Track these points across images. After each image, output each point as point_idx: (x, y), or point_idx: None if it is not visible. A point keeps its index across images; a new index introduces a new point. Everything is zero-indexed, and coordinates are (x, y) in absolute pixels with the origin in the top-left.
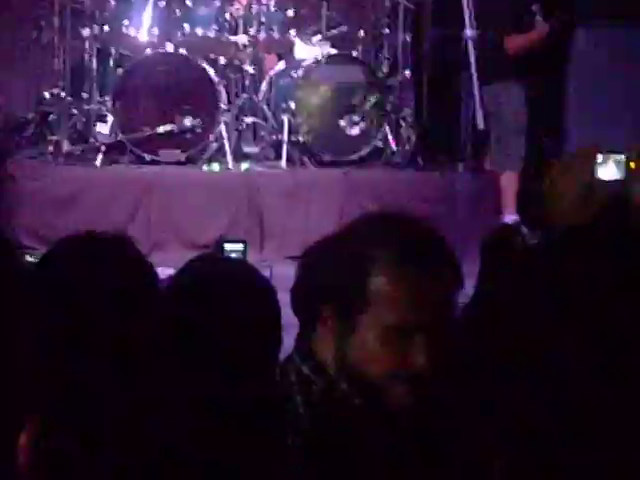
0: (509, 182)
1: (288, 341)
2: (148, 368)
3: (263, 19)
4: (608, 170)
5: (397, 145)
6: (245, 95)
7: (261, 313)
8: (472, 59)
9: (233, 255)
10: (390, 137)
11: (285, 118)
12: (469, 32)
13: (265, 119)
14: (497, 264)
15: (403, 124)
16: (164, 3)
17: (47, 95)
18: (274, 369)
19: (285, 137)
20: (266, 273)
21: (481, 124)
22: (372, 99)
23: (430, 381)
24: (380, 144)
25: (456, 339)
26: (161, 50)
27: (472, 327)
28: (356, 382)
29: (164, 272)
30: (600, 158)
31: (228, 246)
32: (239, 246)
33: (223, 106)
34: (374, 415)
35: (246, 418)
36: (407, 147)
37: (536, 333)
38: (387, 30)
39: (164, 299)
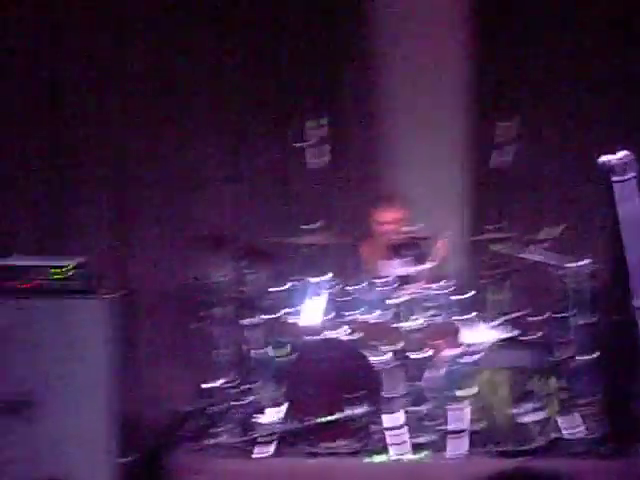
0: None
1: None
2: None
3: (431, 304)
4: None
5: (577, 434)
6: (413, 383)
7: None
8: None
9: None
10: (570, 425)
11: (454, 407)
12: (638, 302)
13: (434, 407)
14: None
15: (584, 411)
16: (328, 289)
17: (209, 387)
18: None
19: (455, 426)
20: None
21: None
22: (549, 385)
23: None
24: (559, 433)
25: None
26: (324, 337)
27: None
28: None
29: None
30: None
31: None
32: None
33: (389, 395)
34: None
35: None
36: (589, 435)
37: None
38: (564, 313)
39: None
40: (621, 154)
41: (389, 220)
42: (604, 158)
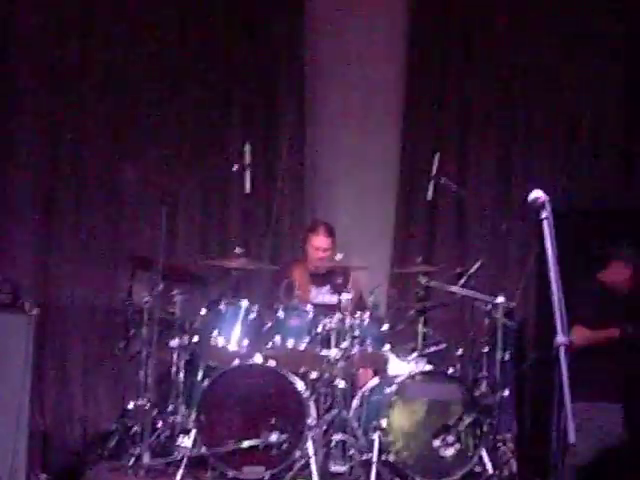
0: None
1: None
2: None
3: (357, 333)
4: None
5: (494, 469)
6: (335, 411)
7: None
8: (564, 367)
9: None
10: (487, 460)
11: (376, 436)
12: (561, 339)
13: (355, 437)
14: None
15: (501, 446)
16: (255, 314)
17: (131, 406)
18: None
19: (375, 457)
20: None
21: (572, 438)
22: (468, 419)
23: None
24: (476, 467)
25: None
26: (249, 361)
27: None
28: None
29: None
30: None
31: None
32: None
33: (311, 422)
34: None
35: None
36: (505, 471)
37: None
38: (486, 348)
39: None
40: (540, 193)
41: (319, 246)
42: (534, 195)
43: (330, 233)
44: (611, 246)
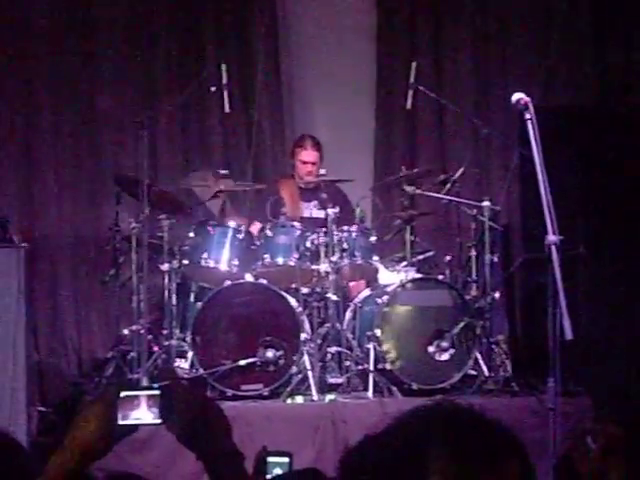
0: None
1: None
2: None
3: (345, 246)
4: None
5: (490, 371)
6: (329, 324)
7: None
8: (556, 266)
9: (277, 469)
10: (482, 362)
11: (371, 346)
12: (552, 237)
13: (350, 348)
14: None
15: (495, 348)
16: (243, 234)
17: (126, 333)
18: None
19: (371, 366)
20: None
21: (569, 334)
22: (461, 323)
23: None
24: (471, 370)
25: None
26: (241, 281)
27: None
28: None
29: None
30: None
31: (272, 459)
32: (284, 459)
33: (306, 336)
34: None
35: None
36: (501, 372)
37: None
38: (474, 252)
39: None
40: (522, 95)
41: (307, 160)
42: (516, 97)
43: (317, 146)
44: None
